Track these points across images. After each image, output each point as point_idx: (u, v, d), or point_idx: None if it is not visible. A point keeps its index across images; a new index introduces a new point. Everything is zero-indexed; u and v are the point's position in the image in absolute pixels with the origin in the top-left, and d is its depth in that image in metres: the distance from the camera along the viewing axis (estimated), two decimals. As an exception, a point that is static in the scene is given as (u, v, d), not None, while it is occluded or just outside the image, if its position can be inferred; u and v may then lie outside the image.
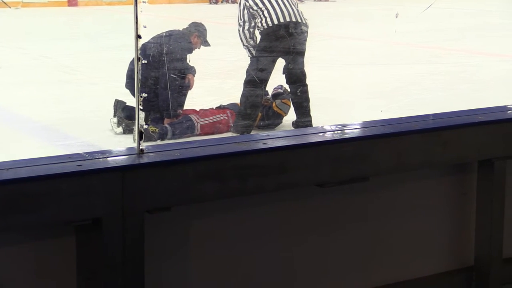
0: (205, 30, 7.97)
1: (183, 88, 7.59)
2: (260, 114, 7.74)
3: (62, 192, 2.20)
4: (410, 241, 3.04)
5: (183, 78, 7.56)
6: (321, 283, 2.86)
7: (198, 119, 7.58)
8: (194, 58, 7.84)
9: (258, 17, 7.48)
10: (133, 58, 2.48)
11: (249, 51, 7.63)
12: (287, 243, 2.77)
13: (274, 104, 7.96)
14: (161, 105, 7.53)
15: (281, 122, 8.01)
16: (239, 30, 7.63)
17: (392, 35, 14.01)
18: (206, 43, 7.93)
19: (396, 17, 14.36)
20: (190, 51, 7.78)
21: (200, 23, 8.05)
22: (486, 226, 3.09)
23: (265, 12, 7.45)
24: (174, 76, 7.46)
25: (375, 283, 2.97)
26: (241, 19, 7.58)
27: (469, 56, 12.65)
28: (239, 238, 2.68)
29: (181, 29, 7.92)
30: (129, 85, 7.55)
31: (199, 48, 7.91)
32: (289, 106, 7.86)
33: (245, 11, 7.54)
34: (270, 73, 7.53)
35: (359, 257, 2.94)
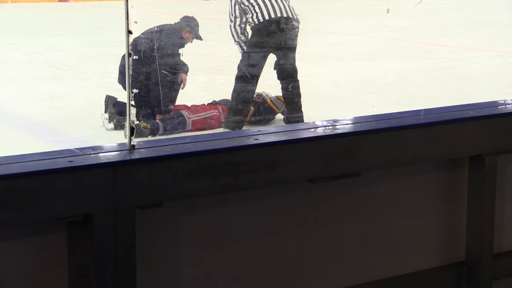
0: (197, 24, 7.96)
1: (174, 84, 7.59)
2: (253, 108, 7.75)
3: (53, 188, 2.20)
4: (401, 236, 3.04)
5: (174, 74, 7.56)
6: (312, 278, 2.86)
7: (189, 115, 7.58)
8: (185, 54, 7.84)
9: (249, 12, 7.48)
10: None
11: (241, 46, 7.64)
12: (278, 238, 2.77)
13: (269, 100, 7.98)
14: (152, 101, 7.53)
15: (274, 118, 8.03)
16: (230, 26, 7.63)
17: (383, 31, 14.03)
18: (198, 37, 7.93)
19: (387, 12, 14.38)
20: (182, 45, 7.78)
21: (192, 17, 8.05)
22: (477, 221, 3.09)
23: (256, 8, 7.46)
24: (165, 72, 7.45)
25: (365, 278, 2.97)
26: (232, 15, 7.59)
27: (459, 52, 12.68)
28: (230, 233, 2.68)
29: (172, 23, 7.91)
30: (121, 80, 7.55)
31: (191, 42, 7.91)
32: (284, 103, 7.87)
33: (236, 7, 7.55)
34: (261, 68, 7.54)
35: (350, 253, 2.94)
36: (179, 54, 7.72)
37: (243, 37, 7.59)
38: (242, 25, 7.58)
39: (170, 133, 7.31)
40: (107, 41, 12.94)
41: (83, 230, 2.29)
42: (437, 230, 3.14)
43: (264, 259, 2.76)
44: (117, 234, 2.30)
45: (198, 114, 7.62)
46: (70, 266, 2.35)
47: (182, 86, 7.66)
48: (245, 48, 7.58)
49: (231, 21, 7.60)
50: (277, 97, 7.95)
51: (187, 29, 7.82)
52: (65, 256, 2.35)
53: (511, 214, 3.27)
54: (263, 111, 7.91)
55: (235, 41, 7.65)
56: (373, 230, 2.97)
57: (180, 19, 7.96)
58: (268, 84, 8.08)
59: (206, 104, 7.90)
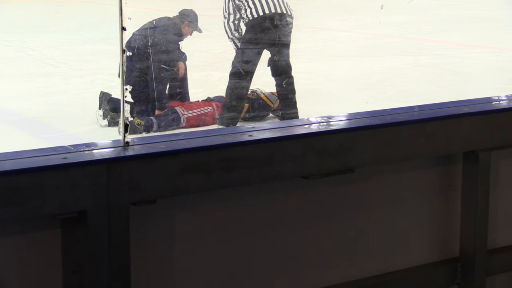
0: (196, 17, 7.95)
1: (172, 80, 7.59)
2: (247, 105, 7.75)
3: (47, 185, 2.20)
4: (395, 232, 3.05)
5: (169, 71, 7.56)
6: (307, 274, 2.86)
7: (183, 111, 7.58)
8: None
9: (243, 8, 7.47)
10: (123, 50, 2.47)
11: (235, 43, 7.63)
12: (272, 234, 2.77)
13: (263, 95, 7.98)
14: (151, 96, 7.52)
15: (268, 114, 8.02)
16: (224, 22, 7.62)
17: (378, 27, 14.04)
18: (198, 30, 7.92)
19: (381, 8, 14.38)
20: (181, 40, 7.78)
21: (190, 10, 8.03)
22: (471, 217, 3.10)
23: (250, 3, 7.45)
24: (165, 66, 7.45)
25: (360, 274, 2.97)
26: (226, 11, 7.58)
27: (454, 48, 12.69)
28: (225, 230, 2.68)
29: (171, 17, 7.90)
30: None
31: (190, 35, 7.90)
32: (278, 98, 7.88)
33: (230, 3, 7.54)
34: (255, 65, 7.54)
35: (344, 249, 2.94)
36: (178, 48, 7.73)
37: (237, 34, 7.58)
38: (236, 22, 7.57)
39: (164, 130, 7.30)
40: (102, 38, 12.92)
41: (77, 226, 2.29)
42: (431, 226, 3.15)
43: (258, 255, 2.76)
44: (111, 230, 2.30)
45: (192, 111, 7.62)
46: (64, 263, 2.35)
47: (179, 74, 7.66)
48: (239, 44, 7.57)
49: (225, 17, 7.59)
50: (271, 92, 7.96)
51: (186, 22, 7.82)
52: (59, 252, 2.35)
53: (505, 210, 3.28)
54: (258, 107, 7.91)
55: (229, 37, 7.65)
56: (367, 226, 2.98)
57: (179, 12, 7.95)
58: (263, 80, 8.07)
59: (200, 100, 7.89)
